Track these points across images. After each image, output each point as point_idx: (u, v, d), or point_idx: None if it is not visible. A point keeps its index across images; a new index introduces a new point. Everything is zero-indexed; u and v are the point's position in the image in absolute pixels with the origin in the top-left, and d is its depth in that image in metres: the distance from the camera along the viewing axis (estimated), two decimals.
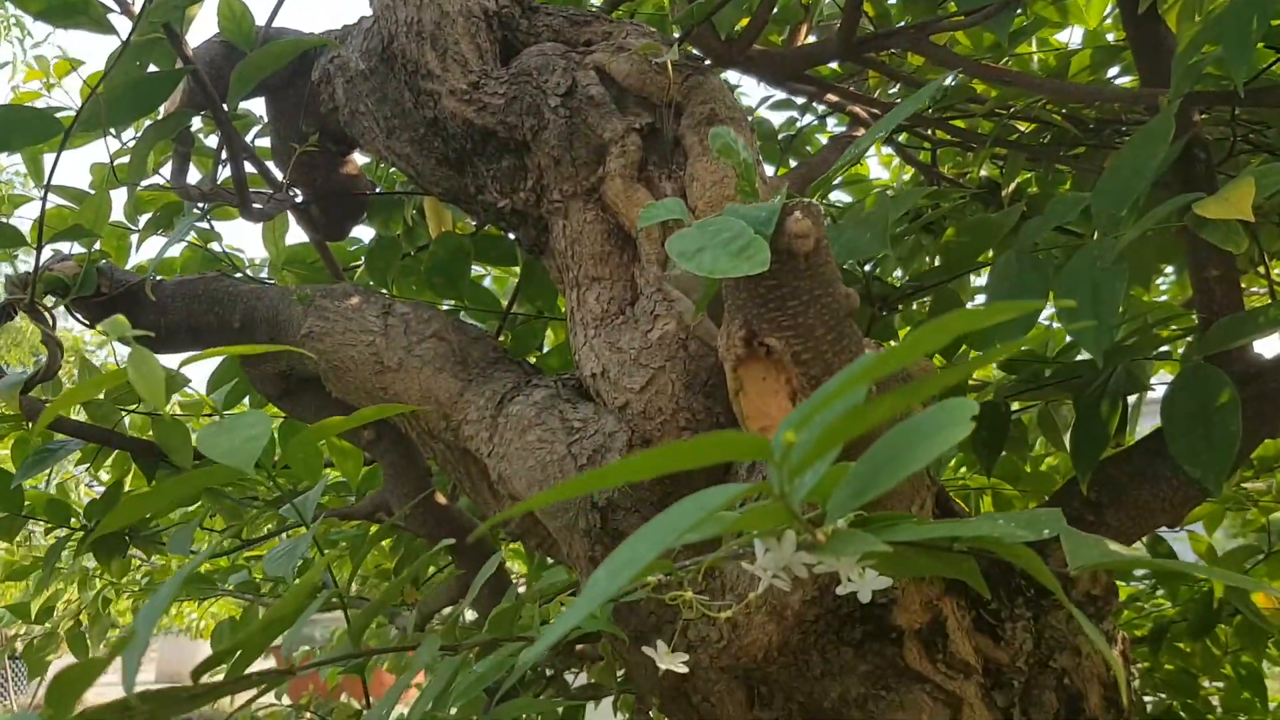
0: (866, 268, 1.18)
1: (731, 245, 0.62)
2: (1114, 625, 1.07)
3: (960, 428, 0.41)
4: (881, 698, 0.91)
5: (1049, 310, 1.17)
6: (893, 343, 1.20)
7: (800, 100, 1.39)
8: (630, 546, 0.37)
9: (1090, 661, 0.99)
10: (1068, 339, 1.32)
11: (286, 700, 2.21)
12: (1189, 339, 1.19)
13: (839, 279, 0.68)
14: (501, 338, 1.27)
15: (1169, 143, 0.86)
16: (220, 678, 0.61)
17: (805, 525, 0.44)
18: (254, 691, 0.73)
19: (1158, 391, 1.43)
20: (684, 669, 0.61)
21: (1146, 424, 1.21)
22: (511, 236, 1.03)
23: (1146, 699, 1.73)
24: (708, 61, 1.10)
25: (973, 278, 1.39)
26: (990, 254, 1.13)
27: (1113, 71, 1.22)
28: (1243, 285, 1.27)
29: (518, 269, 1.30)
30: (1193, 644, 1.63)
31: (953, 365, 0.35)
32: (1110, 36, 1.35)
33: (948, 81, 1.14)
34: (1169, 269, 1.70)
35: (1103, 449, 1.02)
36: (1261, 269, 1.21)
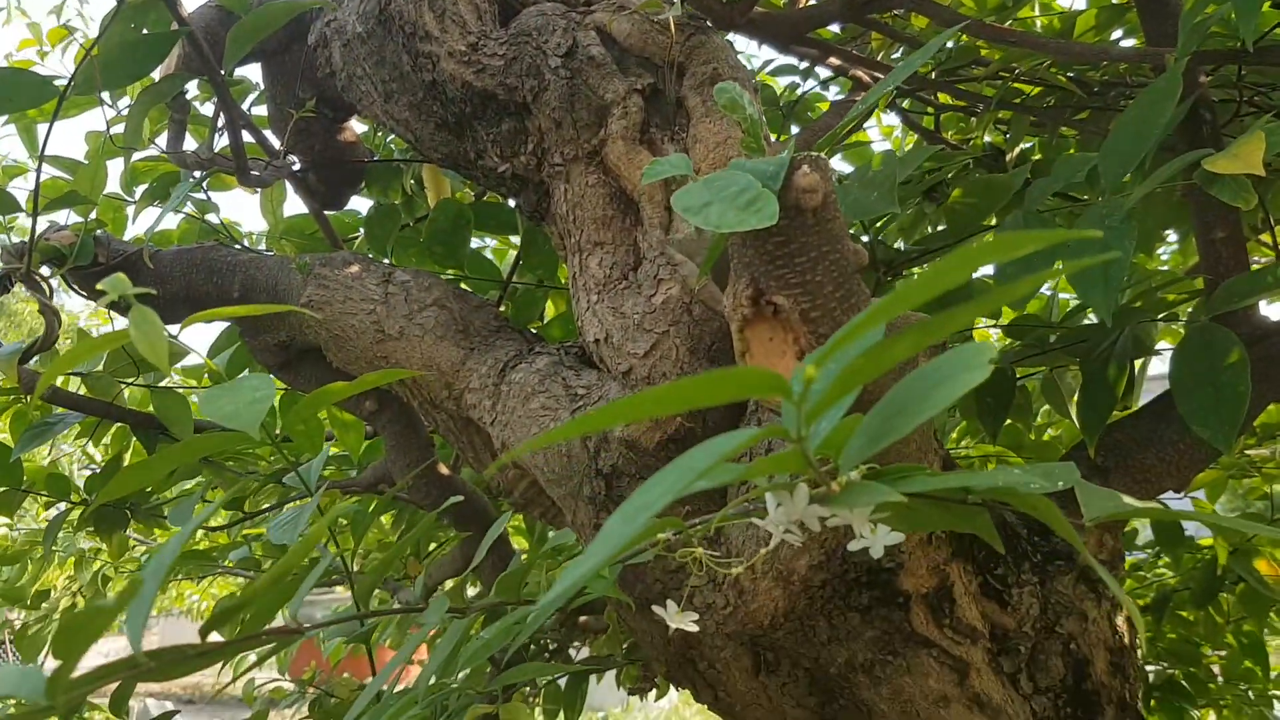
0: (865, 237, 1.17)
1: (739, 199, 0.61)
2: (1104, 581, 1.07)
3: (978, 371, 0.40)
4: (888, 663, 0.91)
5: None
6: None
7: (802, 65, 1.37)
8: (645, 491, 0.36)
9: (1096, 627, 0.99)
10: (1072, 305, 1.32)
11: (289, 677, 2.21)
12: (1192, 306, 1.18)
13: (847, 235, 0.67)
14: (502, 308, 1.26)
15: (1176, 102, 0.85)
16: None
17: (820, 473, 0.43)
18: (258, 655, 0.73)
19: (1159, 367, 1.43)
20: (694, 628, 0.60)
21: (1147, 396, 1.20)
22: (512, 202, 1.02)
23: (1149, 668, 1.73)
24: (708, 22, 1.08)
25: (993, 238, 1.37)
26: (994, 220, 1.12)
27: (1117, 34, 1.20)
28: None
29: (517, 240, 1.29)
30: (1195, 612, 1.63)
31: (973, 302, 0.34)
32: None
33: (950, 41, 1.12)
34: (1171, 236, 1.70)
35: (1109, 413, 1.01)
36: (1266, 236, 1.20)
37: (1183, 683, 1.70)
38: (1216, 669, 1.73)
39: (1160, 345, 1.35)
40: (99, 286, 0.53)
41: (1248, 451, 1.52)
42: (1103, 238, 0.81)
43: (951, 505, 0.51)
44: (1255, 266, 1.49)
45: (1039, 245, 0.32)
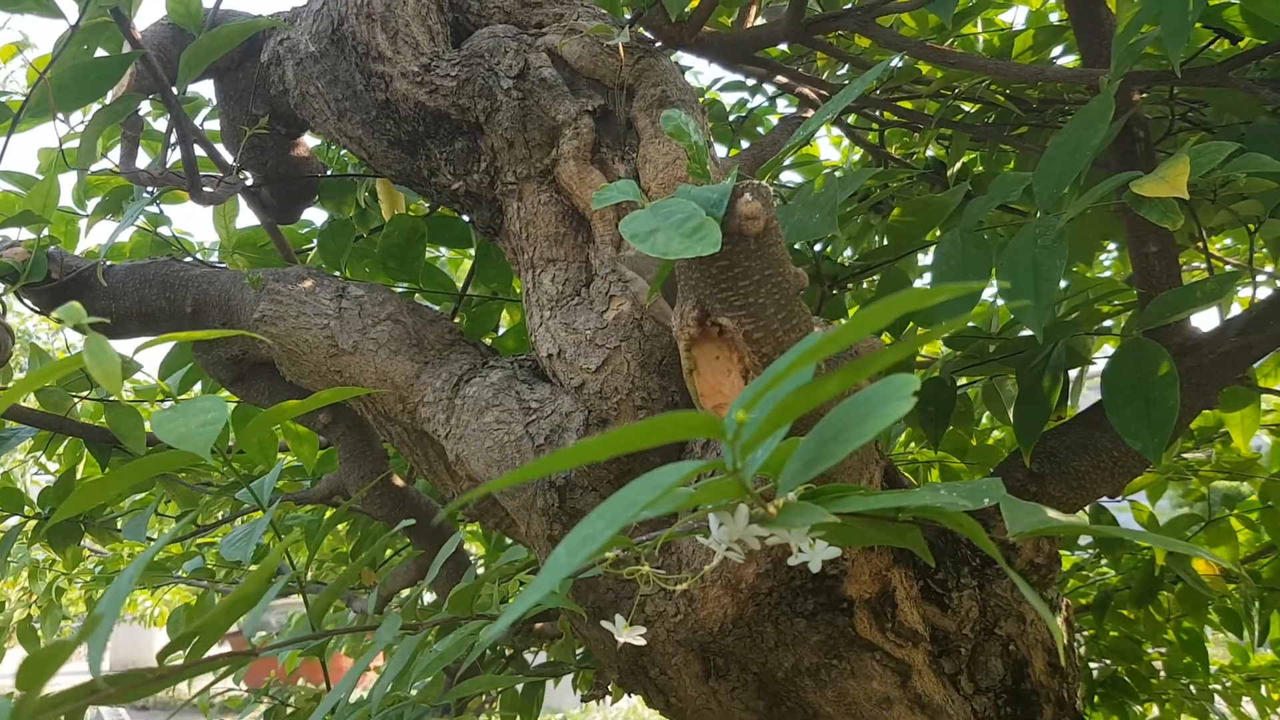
0: (816, 248, 1.20)
1: (684, 227, 0.63)
2: (1058, 593, 1.10)
3: (903, 402, 0.43)
4: (833, 666, 0.93)
5: (994, 287, 1.20)
6: (842, 321, 1.23)
7: (751, 82, 1.40)
8: (588, 524, 0.39)
9: (1034, 629, 1.03)
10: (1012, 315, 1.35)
11: (245, 686, 2.21)
12: (1130, 314, 1.23)
13: (788, 259, 0.70)
14: (457, 320, 1.28)
15: (1109, 122, 0.89)
16: (182, 661, 0.62)
17: (757, 498, 0.45)
18: (215, 675, 0.74)
19: (1101, 365, 1.47)
20: (642, 642, 0.62)
21: (1091, 396, 1.24)
22: (466, 218, 1.04)
23: (1092, 665, 1.78)
24: (659, 44, 1.10)
25: (920, 255, 1.41)
26: (938, 232, 1.16)
27: (1056, 51, 1.24)
28: (1182, 261, 1.31)
29: (472, 250, 1.31)
30: (1136, 611, 1.67)
31: (899, 343, 0.37)
32: (1054, 17, 1.38)
33: (894, 63, 1.15)
34: (1112, 246, 1.74)
35: (1044, 422, 1.05)
36: (1200, 245, 1.25)
37: (1125, 679, 1.75)
38: (1159, 664, 1.78)
39: (1104, 349, 1.39)
40: (54, 315, 0.55)
41: (1184, 455, 1.57)
42: (1035, 258, 0.84)
43: (884, 523, 0.54)
44: (1191, 274, 1.54)
45: (956, 295, 0.35)
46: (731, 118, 1.49)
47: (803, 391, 0.38)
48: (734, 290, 0.68)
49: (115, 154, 1.16)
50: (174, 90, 0.99)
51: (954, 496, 0.52)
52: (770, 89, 1.42)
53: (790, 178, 1.71)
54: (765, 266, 0.68)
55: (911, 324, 1.16)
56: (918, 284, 1.30)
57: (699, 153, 0.72)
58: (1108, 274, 1.84)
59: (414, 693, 1.16)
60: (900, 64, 1.19)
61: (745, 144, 1.49)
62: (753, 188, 0.65)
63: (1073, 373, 1.44)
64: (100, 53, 0.95)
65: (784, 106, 1.54)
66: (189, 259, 1.17)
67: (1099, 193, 0.84)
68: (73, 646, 0.42)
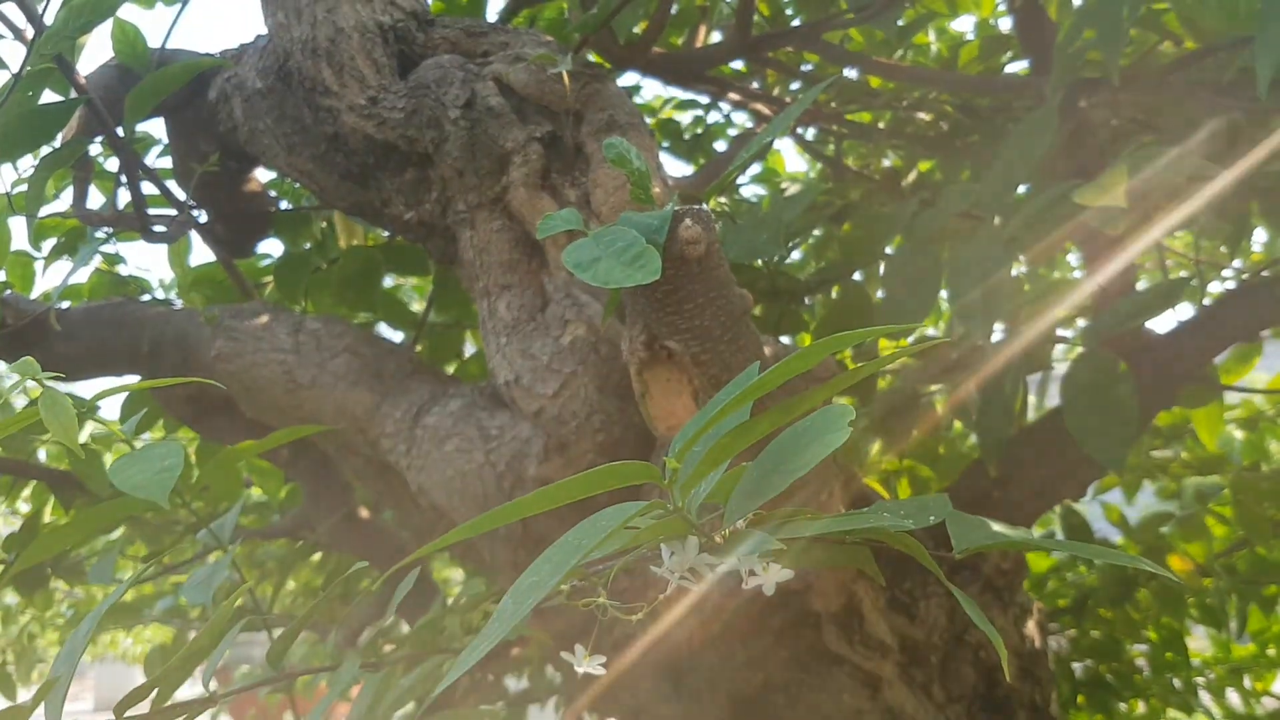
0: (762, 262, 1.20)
1: (625, 254, 0.64)
2: (1028, 597, 1.11)
3: (839, 433, 0.45)
4: (804, 681, 0.93)
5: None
6: (791, 341, 1.23)
7: (705, 99, 1.41)
8: (535, 570, 0.39)
9: (1004, 634, 1.03)
10: None
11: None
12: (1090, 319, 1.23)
13: (733, 281, 0.70)
14: (419, 347, 1.27)
15: (1053, 131, 0.89)
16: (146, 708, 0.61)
17: (702, 531, 0.46)
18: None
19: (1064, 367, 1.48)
20: (601, 672, 0.62)
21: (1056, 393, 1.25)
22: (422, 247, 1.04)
23: (1074, 665, 1.78)
24: (609, 66, 1.11)
25: (880, 267, 1.42)
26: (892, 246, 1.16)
27: (1007, 55, 1.25)
28: (1139, 260, 1.32)
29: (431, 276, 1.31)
30: (1113, 610, 1.68)
31: (839, 376, 0.39)
32: (1005, 23, 1.39)
33: (842, 75, 1.16)
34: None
35: (1008, 429, 1.05)
36: (1169, 241, 1.26)
37: (1108, 678, 1.76)
38: (1142, 663, 1.78)
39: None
40: (8, 369, 0.54)
41: (1152, 453, 1.58)
42: (984, 266, 0.84)
43: (835, 545, 0.54)
44: (1147, 274, 1.55)
45: (869, 339, 0.36)
46: (687, 136, 1.49)
47: (738, 432, 0.38)
48: (679, 314, 0.68)
49: (68, 195, 1.15)
50: (120, 133, 0.99)
51: (900, 516, 0.53)
52: (727, 105, 1.43)
53: (757, 191, 1.72)
54: (709, 289, 0.68)
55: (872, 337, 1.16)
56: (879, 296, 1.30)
57: (641, 178, 0.72)
58: (1076, 274, 1.85)
59: None
60: (855, 76, 1.19)
61: (703, 161, 1.50)
62: (693, 213, 0.66)
63: (1037, 377, 1.46)
64: (47, 96, 0.95)
65: (744, 120, 1.55)
66: (146, 297, 1.17)
67: (1042, 202, 0.85)
68: (30, 709, 0.42)
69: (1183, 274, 1.42)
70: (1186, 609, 1.67)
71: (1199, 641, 1.88)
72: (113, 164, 1.25)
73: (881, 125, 1.27)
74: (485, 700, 1.47)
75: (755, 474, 0.47)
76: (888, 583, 0.99)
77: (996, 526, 0.64)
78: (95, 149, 1.19)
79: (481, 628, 0.84)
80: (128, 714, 0.57)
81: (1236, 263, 1.50)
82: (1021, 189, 1.00)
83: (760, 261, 1.08)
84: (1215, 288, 1.40)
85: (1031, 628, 1.09)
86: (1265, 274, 1.12)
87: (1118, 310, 1.01)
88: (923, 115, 1.29)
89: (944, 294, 0.98)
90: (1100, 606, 1.71)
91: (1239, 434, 1.65)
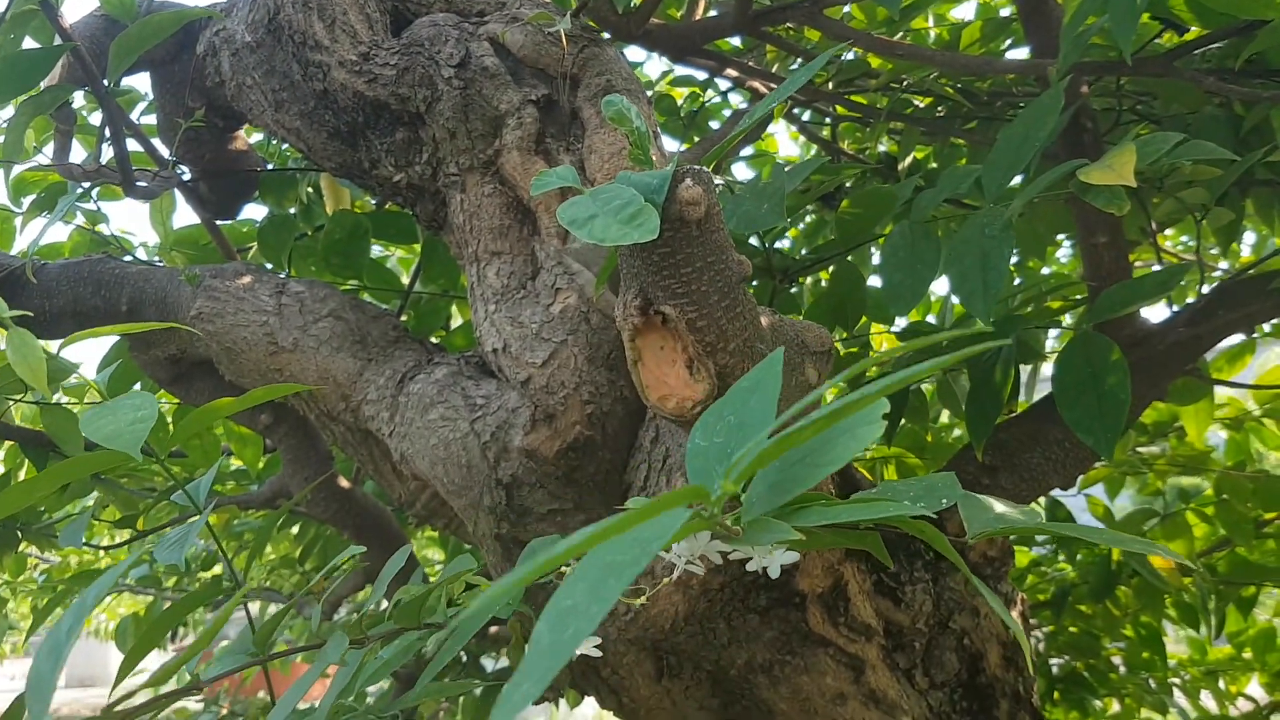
0: (757, 240, 1.19)
1: (622, 213, 0.62)
2: (1013, 587, 1.10)
3: (873, 426, 0.43)
4: (787, 662, 0.92)
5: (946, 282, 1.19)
6: (796, 316, 1.21)
7: (702, 76, 1.39)
8: (570, 591, 0.35)
9: (989, 622, 1.02)
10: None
11: (199, 696, 2.16)
12: (1083, 309, 1.22)
13: (731, 246, 0.69)
14: (404, 317, 1.25)
15: (1057, 115, 0.88)
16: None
17: (728, 527, 0.44)
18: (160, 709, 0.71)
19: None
20: (597, 653, 0.61)
21: (1044, 390, 1.24)
22: (410, 212, 1.01)
23: (1052, 660, 1.78)
24: (605, 34, 1.09)
25: (873, 249, 1.41)
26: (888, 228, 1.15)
27: (1005, 44, 1.24)
28: (1133, 258, 1.31)
29: (419, 246, 1.28)
30: (1094, 606, 1.68)
31: (876, 383, 0.37)
32: (1005, 12, 1.38)
33: (844, 55, 1.15)
34: (1066, 240, 1.75)
35: (996, 417, 1.04)
36: (1150, 238, 1.25)
37: (1084, 674, 1.76)
38: (1118, 660, 1.79)
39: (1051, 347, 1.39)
40: None
41: (1138, 449, 1.58)
42: (983, 248, 0.83)
43: (844, 530, 0.53)
44: (1140, 271, 1.54)
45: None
46: (683, 113, 1.47)
47: (780, 441, 0.37)
48: (676, 278, 0.66)
49: (50, 150, 1.13)
50: (105, 83, 0.97)
51: (911, 501, 0.51)
52: (724, 84, 1.41)
53: (747, 175, 1.70)
54: (708, 253, 0.66)
55: (865, 319, 1.15)
56: (870, 279, 1.29)
57: (640, 139, 0.70)
58: (1065, 271, 1.84)
59: (369, 701, 1.13)
60: (851, 56, 1.18)
61: (697, 139, 1.48)
62: (694, 173, 0.64)
63: (1026, 369, 1.45)
64: (29, 43, 0.92)
65: (738, 101, 1.54)
66: (128, 258, 1.14)
67: (1046, 181, 0.84)
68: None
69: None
70: (1165, 607, 1.67)
71: (1175, 644, 1.88)
72: (96, 119, 1.22)
73: (880, 107, 1.25)
74: (458, 679, 1.45)
75: (779, 466, 0.46)
76: (872, 567, 0.97)
77: (1001, 507, 0.62)
78: (78, 102, 1.16)
79: (462, 600, 0.83)
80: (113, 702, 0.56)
81: (1223, 264, 1.50)
82: (1016, 179, 0.99)
83: (755, 240, 1.07)
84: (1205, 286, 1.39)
85: (1015, 617, 1.08)
86: (1252, 271, 1.11)
87: (1113, 295, 1.00)
88: (920, 100, 1.28)
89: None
90: (1080, 602, 1.71)
91: (1223, 433, 1.65)
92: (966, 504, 0.60)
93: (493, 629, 1.51)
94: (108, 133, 1.03)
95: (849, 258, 1.13)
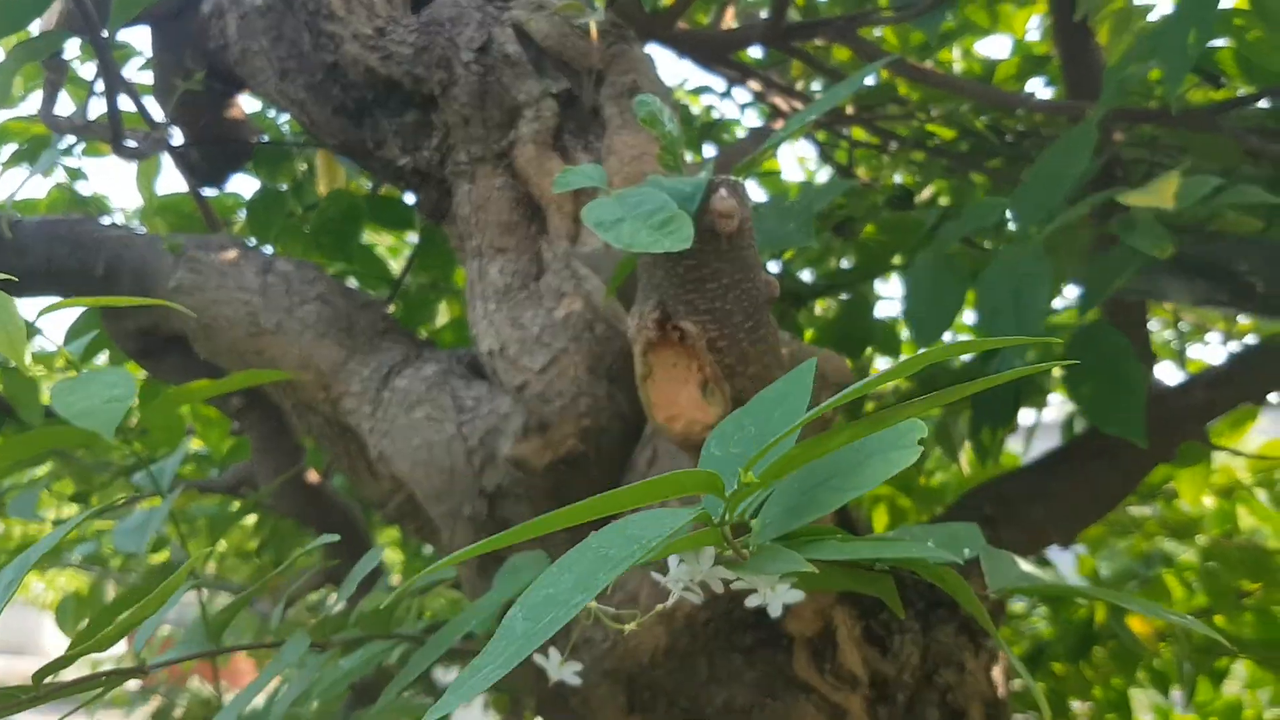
0: (775, 266, 1.15)
1: (653, 218, 0.58)
2: (996, 643, 1.06)
3: (909, 450, 0.40)
4: (766, 706, 0.88)
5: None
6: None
7: (720, 89, 1.35)
8: (553, 580, 0.33)
9: (973, 679, 0.98)
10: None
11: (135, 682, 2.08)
12: None
13: (760, 265, 0.64)
14: (392, 308, 1.20)
15: (1091, 151, 0.85)
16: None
17: (735, 546, 0.40)
18: (99, 690, 0.66)
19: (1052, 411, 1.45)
20: (577, 680, 0.56)
21: (1040, 446, 1.21)
22: (410, 200, 0.96)
23: (1018, 717, 1.75)
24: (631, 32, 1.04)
25: (878, 285, 1.37)
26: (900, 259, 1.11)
27: (1037, 84, 1.21)
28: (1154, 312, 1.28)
29: (412, 238, 1.23)
30: (1067, 666, 1.65)
31: (919, 399, 0.33)
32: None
33: (874, 74, 1.11)
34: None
35: (1007, 420, 1.00)
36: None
37: None
38: None
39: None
40: None
41: (1129, 509, 1.55)
42: (1016, 285, 0.79)
43: (858, 570, 0.48)
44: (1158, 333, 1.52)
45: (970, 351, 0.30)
46: (699, 123, 1.43)
47: (805, 447, 0.32)
48: (701, 293, 0.62)
49: (36, 100, 1.07)
50: (104, 33, 0.91)
51: (932, 545, 0.47)
52: (741, 96, 1.37)
53: (755, 195, 1.66)
54: (736, 270, 0.62)
55: (871, 350, 1.11)
56: (882, 307, 1.25)
57: (672, 143, 0.66)
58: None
59: (314, 706, 1.08)
60: (877, 80, 1.14)
61: (712, 151, 1.44)
62: (729, 184, 0.60)
63: (1028, 420, 1.42)
64: None
65: (753, 120, 1.50)
66: (105, 220, 1.08)
67: (1083, 208, 0.80)
68: None
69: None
70: (1137, 672, 1.64)
71: (1141, 714, 1.85)
72: (86, 73, 1.16)
73: (902, 135, 1.22)
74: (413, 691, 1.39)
75: (798, 487, 0.42)
76: (862, 613, 0.93)
77: (1026, 565, 0.59)
78: (69, 54, 1.10)
79: (444, 616, 0.78)
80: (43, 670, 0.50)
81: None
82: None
83: (775, 264, 1.03)
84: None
85: (998, 675, 1.05)
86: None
87: (1102, 266, 0.94)
88: (944, 133, 1.24)
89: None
90: (1054, 659, 1.68)
91: (1209, 501, 1.62)
92: (989, 558, 0.57)
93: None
94: (99, 87, 0.97)
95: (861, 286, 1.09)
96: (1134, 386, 0.86)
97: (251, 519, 1.54)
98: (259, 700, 0.78)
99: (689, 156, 1.49)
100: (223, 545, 1.66)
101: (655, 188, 0.60)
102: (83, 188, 1.27)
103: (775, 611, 0.44)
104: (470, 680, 0.29)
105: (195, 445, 1.48)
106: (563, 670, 0.51)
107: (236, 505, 1.30)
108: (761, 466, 0.34)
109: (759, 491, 0.38)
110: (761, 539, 0.41)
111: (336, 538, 0.54)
